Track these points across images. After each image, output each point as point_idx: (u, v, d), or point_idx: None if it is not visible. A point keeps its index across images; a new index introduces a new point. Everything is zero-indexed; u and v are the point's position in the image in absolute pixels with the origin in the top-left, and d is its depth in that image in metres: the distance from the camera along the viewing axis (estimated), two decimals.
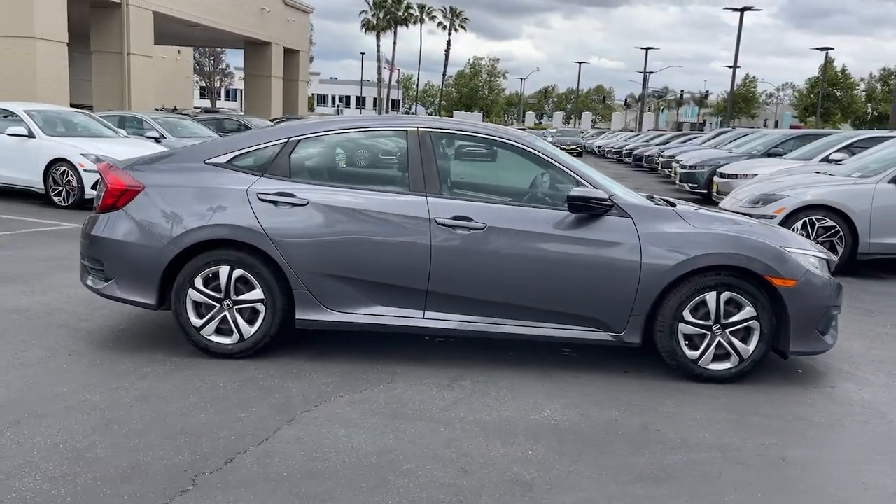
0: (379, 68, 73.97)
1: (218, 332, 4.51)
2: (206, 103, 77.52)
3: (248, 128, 17.67)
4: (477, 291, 4.42)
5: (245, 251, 4.44)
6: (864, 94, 72.37)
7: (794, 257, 4.41)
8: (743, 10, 39.84)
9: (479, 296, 4.43)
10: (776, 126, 76.04)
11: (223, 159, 4.61)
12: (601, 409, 3.98)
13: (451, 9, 75.94)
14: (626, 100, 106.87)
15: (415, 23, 73.01)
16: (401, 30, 72.40)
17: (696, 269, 4.34)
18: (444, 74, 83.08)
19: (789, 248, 4.46)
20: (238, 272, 4.44)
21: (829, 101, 59.90)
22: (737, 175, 12.99)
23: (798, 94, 67.02)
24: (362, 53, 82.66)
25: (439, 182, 4.50)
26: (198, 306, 4.49)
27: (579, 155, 40.78)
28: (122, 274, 4.52)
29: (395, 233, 4.41)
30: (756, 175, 11.97)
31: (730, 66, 42.85)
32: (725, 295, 4.37)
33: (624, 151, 31.77)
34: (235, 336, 4.50)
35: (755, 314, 4.38)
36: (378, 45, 71.74)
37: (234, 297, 4.47)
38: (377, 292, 4.45)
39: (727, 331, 4.40)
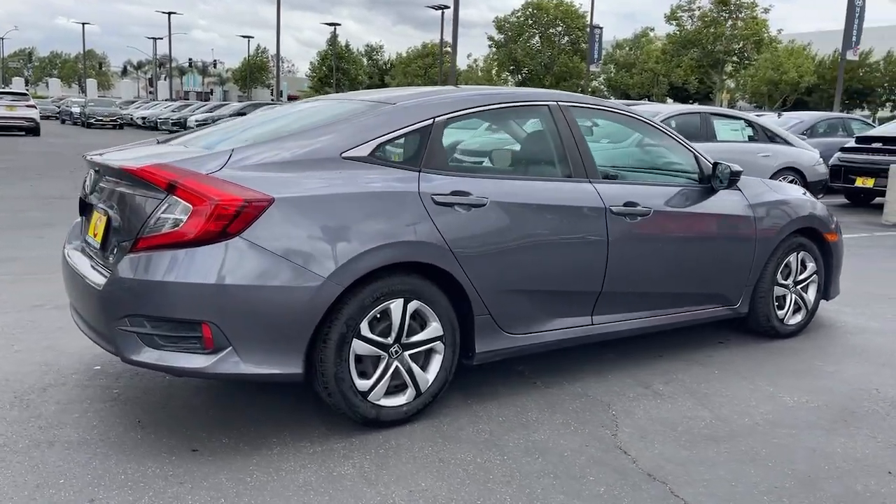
0: None
1: (387, 391, 3.24)
2: None
3: None
4: (644, 284, 4.00)
5: (418, 275, 3.23)
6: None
7: (831, 214, 5.00)
8: None
9: (644, 289, 4.01)
10: (281, 96, 79.87)
11: (364, 151, 3.24)
12: (797, 380, 4.01)
13: None
14: (124, 66, 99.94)
15: None
16: None
17: (788, 234, 4.61)
18: None
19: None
20: (413, 305, 3.22)
21: (339, 73, 64.90)
22: None
23: (311, 65, 71.17)
24: None
25: (595, 165, 3.89)
26: (358, 361, 3.15)
27: (120, 128, 37.15)
28: (248, 337, 2.89)
29: (574, 229, 3.70)
30: None
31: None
32: (801, 255, 4.74)
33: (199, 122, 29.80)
34: (410, 392, 3.28)
35: (816, 269, 4.85)
36: None
37: (404, 340, 3.24)
38: (551, 303, 3.69)
39: (798, 287, 4.79)
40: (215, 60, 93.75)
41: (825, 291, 4.98)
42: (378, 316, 3.15)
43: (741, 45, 45.47)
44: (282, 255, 2.89)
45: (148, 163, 2.98)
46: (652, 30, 58.53)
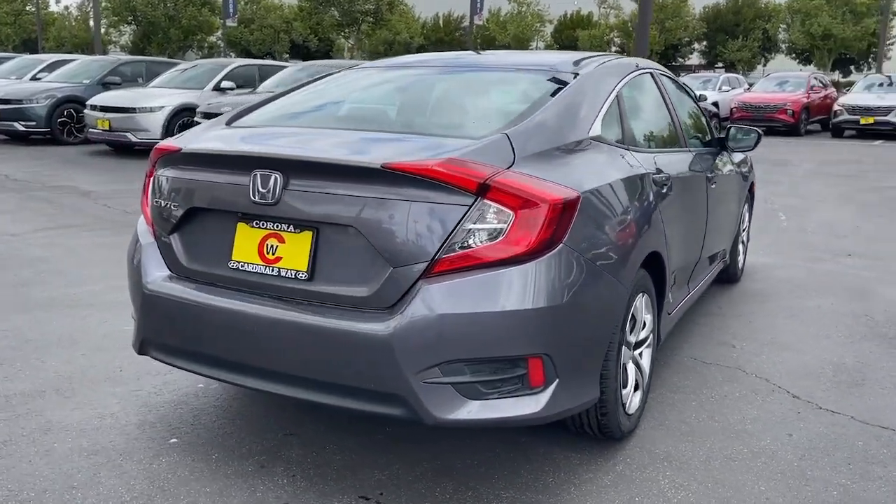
0: None
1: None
2: None
3: None
4: (710, 247, 4.10)
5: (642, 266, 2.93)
6: None
7: None
8: None
9: (709, 252, 4.12)
10: None
11: (597, 129, 2.78)
12: (826, 319, 4.50)
13: None
14: None
15: None
16: None
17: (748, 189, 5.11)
18: None
19: None
20: (644, 299, 2.93)
21: None
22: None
23: None
24: None
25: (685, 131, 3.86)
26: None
27: None
28: (570, 366, 2.37)
29: (699, 198, 3.70)
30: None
31: None
32: (746, 206, 5.29)
33: None
34: (640, 393, 3.00)
35: (749, 218, 5.47)
36: None
37: (637, 338, 2.94)
38: (682, 277, 3.61)
39: (742, 235, 5.35)
40: None
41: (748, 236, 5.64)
42: (632, 316, 2.80)
43: (375, 5, 47.38)
44: (592, 261, 2.40)
45: (441, 158, 2.19)
46: None
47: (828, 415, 3.19)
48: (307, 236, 2.33)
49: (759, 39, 50.47)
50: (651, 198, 2.87)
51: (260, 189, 2.34)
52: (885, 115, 18.56)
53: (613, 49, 54.80)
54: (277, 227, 2.38)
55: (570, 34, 57.90)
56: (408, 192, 2.20)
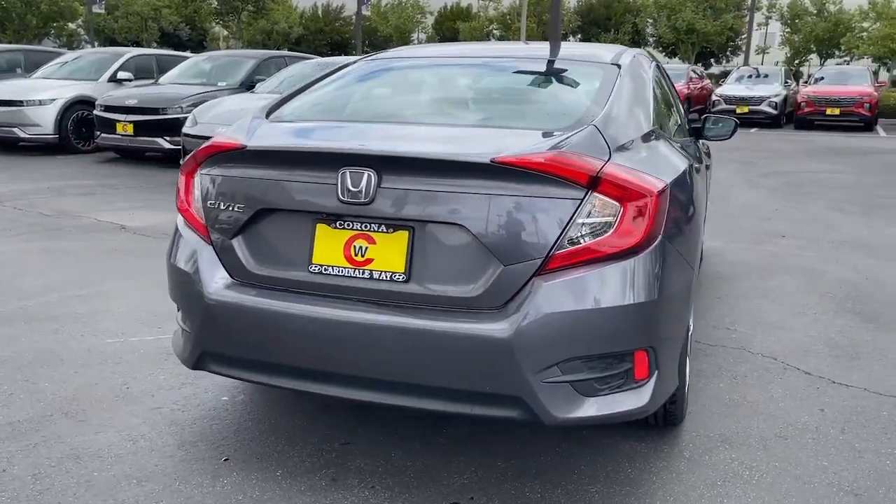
0: None
1: None
2: None
3: None
4: None
5: None
6: None
7: None
8: None
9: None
10: None
11: (653, 119, 2.80)
12: (795, 299, 4.76)
13: None
14: None
15: None
16: None
17: None
18: None
19: None
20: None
21: None
22: None
23: None
24: None
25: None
26: None
27: None
28: (667, 357, 2.38)
29: (703, 187, 3.78)
30: None
31: None
32: None
33: None
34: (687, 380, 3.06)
35: None
36: None
37: None
38: None
39: None
40: None
41: None
42: None
43: None
44: (679, 252, 2.41)
45: (551, 152, 2.13)
46: None
47: (844, 388, 3.37)
48: (402, 236, 2.21)
49: (630, 33, 52.71)
50: (695, 187, 2.93)
51: (350, 188, 2.19)
52: (759, 105, 19.90)
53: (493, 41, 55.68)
54: (366, 227, 2.24)
55: (450, 26, 58.35)
56: (515, 186, 2.13)
